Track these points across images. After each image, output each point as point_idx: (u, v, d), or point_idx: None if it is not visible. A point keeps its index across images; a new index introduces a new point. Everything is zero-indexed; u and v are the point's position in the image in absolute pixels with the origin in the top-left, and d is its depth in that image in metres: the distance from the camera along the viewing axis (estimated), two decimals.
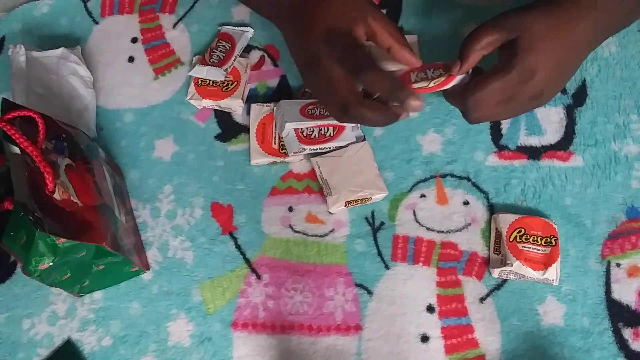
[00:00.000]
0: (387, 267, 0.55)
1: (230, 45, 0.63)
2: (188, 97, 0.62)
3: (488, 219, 0.56)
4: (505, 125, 0.59)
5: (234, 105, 0.62)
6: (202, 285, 0.56)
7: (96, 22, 0.70)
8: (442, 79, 0.50)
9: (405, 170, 0.58)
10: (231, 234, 0.57)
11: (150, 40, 0.68)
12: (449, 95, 0.52)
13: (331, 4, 0.49)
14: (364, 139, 0.59)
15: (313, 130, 0.57)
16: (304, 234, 0.57)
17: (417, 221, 0.56)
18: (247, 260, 0.56)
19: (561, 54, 0.47)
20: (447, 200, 0.57)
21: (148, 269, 0.57)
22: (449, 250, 0.55)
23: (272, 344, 0.53)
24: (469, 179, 0.57)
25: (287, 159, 0.59)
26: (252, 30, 0.65)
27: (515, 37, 0.47)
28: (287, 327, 0.53)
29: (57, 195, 0.47)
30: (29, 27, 0.70)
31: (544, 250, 0.52)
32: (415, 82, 0.51)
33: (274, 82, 0.64)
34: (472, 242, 0.55)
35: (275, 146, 0.59)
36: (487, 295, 0.53)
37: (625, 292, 0.52)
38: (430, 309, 0.53)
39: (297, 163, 0.59)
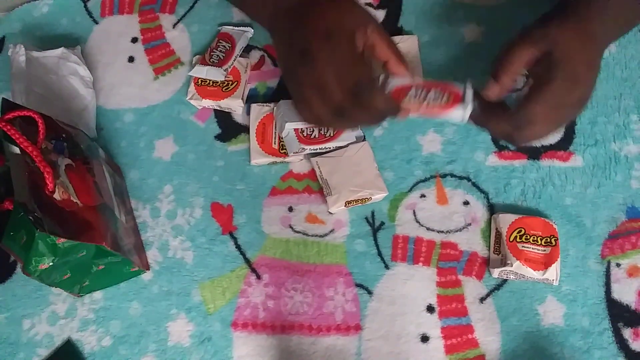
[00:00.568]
0: (387, 267, 0.55)
1: (230, 45, 0.63)
2: (188, 97, 0.62)
3: (488, 219, 0.56)
4: None
5: (234, 105, 0.62)
6: (202, 285, 0.56)
7: (96, 22, 0.70)
8: (439, 103, 0.47)
9: (405, 170, 0.58)
10: (231, 234, 0.57)
11: (150, 40, 0.68)
12: (489, 121, 0.49)
13: (336, 6, 0.48)
14: (364, 139, 0.59)
15: (313, 130, 0.57)
16: (304, 234, 0.57)
17: (417, 221, 0.56)
18: (247, 260, 0.56)
19: (590, 55, 0.47)
20: (447, 200, 0.57)
21: (148, 269, 0.57)
22: (449, 250, 0.55)
23: (272, 344, 0.53)
24: (469, 179, 0.57)
25: (287, 159, 0.59)
26: (252, 30, 0.65)
27: (548, 49, 0.46)
28: (287, 327, 0.53)
29: (57, 195, 0.47)
30: (29, 27, 0.70)
31: (544, 250, 0.52)
32: (409, 99, 0.48)
33: (274, 82, 0.64)
34: (472, 242, 0.55)
35: (275, 146, 0.59)
36: (487, 295, 0.53)
37: (625, 292, 0.52)
38: (430, 309, 0.53)
39: (297, 163, 0.59)
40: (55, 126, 0.52)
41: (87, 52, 0.68)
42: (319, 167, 0.57)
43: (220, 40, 0.64)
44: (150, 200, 0.60)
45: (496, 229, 0.54)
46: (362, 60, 0.47)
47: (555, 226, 0.53)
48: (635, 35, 0.62)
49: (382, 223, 0.56)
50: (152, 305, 0.55)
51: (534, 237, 0.52)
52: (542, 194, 0.56)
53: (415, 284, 0.54)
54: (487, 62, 0.62)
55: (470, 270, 0.54)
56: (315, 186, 0.58)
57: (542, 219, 0.53)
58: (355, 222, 0.57)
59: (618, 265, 0.53)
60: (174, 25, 0.68)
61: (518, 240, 0.52)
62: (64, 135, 0.52)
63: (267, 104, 0.61)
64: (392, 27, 0.65)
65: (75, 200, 0.48)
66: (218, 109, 0.63)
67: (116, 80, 0.66)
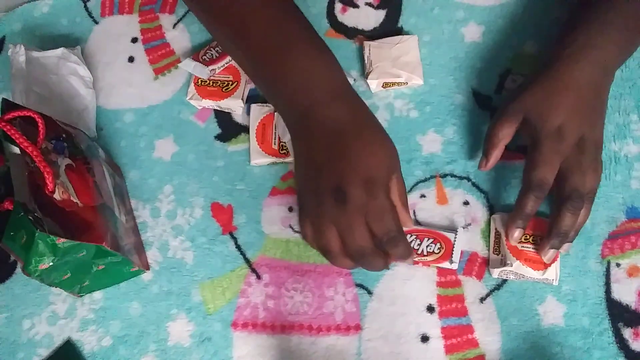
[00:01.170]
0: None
1: None
2: (188, 97, 0.62)
3: (488, 219, 0.56)
4: None
5: (234, 105, 0.62)
6: (202, 285, 0.56)
7: (96, 22, 0.70)
8: (432, 259, 0.53)
9: (405, 170, 0.58)
10: (231, 234, 0.57)
11: (150, 40, 0.68)
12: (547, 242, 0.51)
13: (378, 148, 0.47)
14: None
15: None
16: None
17: (417, 221, 0.56)
18: (247, 260, 0.56)
19: (574, 101, 0.49)
20: (447, 200, 0.57)
21: (148, 269, 0.57)
22: None
23: (272, 344, 0.53)
24: (469, 179, 0.57)
25: (287, 159, 0.59)
26: None
27: (524, 118, 0.51)
28: (287, 327, 0.53)
29: (57, 195, 0.47)
30: (29, 27, 0.70)
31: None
32: None
33: None
34: (472, 242, 0.55)
35: (275, 146, 0.59)
36: (487, 295, 0.53)
37: (625, 292, 0.52)
38: (430, 309, 0.53)
39: None
40: (55, 126, 0.52)
41: (87, 52, 0.68)
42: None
43: None
44: (150, 200, 0.60)
45: (495, 229, 0.54)
46: (395, 210, 0.47)
47: None
48: None
49: None
50: (152, 305, 0.55)
51: (533, 237, 0.52)
52: None
53: (415, 284, 0.54)
54: (487, 62, 0.62)
55: (470, 270, 0.54)
56: None
57: (542, 218, 0.53)
58: None
59: (618, 265, 0.53)
60: (174, 25, 0.68)
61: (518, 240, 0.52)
62: (64, 135, 0.52)
63: (267, 104, 0.61)
64: (392, 27, 0.65)
65: (75, 200, 0.48)
66: (218, 109, 0.63)
67: (116, 80, 0.66)
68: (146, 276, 0.57)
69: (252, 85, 0.64)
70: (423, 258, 0.53)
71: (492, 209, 0.56)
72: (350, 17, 0.66)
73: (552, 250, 0.50)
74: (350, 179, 0.45)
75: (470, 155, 0.58)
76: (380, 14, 0.66)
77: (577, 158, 0.49)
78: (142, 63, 0.66)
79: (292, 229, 0.57)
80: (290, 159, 0.59)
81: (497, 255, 0.53)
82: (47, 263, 0.45)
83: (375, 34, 0.65)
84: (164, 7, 0.69)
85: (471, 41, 0.63)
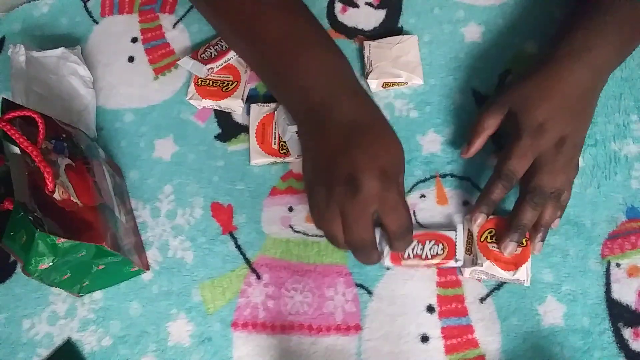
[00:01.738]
0: (387, 267, 0.55)
1: (227, 47, 0.63)
2: (188, 97, 0.62)
3: None
4: None
5: (234, 105, 0.62)
6: (202, 285, 0.56)
7: (96, 22, 0.70)
8: (438, 261, 0.52)
9: (406, 170, 0.58)
10: (231, 234, 0.57)
11: (150, 40, 0.68)
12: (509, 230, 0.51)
13: (391, 143, 0.48)
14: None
15: None
16: (304, 234, 0.57)
17: (417, 221, 0.56)
18: (247, 260, 0.56)
19: (560, 101, 0.50)
20: (447, 201, 0.57)
21: (148, 269, 0.57)
22: None
23: (272, 344, 0.53)
24: (469, 179, 0.57)
25: (287, 159, 0.59)
26: None
27: (509, 110, 0.52)
28: (287, 327, 0.53)
29: (57, 195, 0.47)
30: (29, 27, 0.70)
31: (515, 251, 0.51)
32: (408, 255, 0.52)
33: None
34: None
35: (275, 146, 0.59)
36: (487, 295, 0.53)
37: (625, 292, 0.52)
38: (430, 309, 0.53)
39: (297, 163, 0.59)
40: (55, 126, 0.52)
41: (87, 52, 0.68)
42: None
43: (221, 40, 0.63)
44: (150, 200, 0.60)
45: (468, 229, 0.54)
46: (406, 203, 0.47)
47: None
48: None
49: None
50: (152, 305, 0.55)
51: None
52: None
53: (415, 284, 0.54)
54: (487, 62, 0.62)
55: None
56: None
57: None
58: None
59: (618, 265, 0.53)
60: (174, 25, 0.68)
61: (489, 240, 0.52)
62: (64, 135, 0.52)
63: (267, 104, 0.61)
64: (392, 27, 0.65)
65: (75, 200, 0.48)
66: (218, 109, 0.63)
67: (116, 80, 0.66)
68: (146, 276, 0.57)
69: (252, 85, 0.64)
70: (428, 261, 0.52)
71: None
72: (350, 17, 0.66)
73: (511, 244, 0.51)
74: (365, 169, 0.45)
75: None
76: (380, 14, 0.66)
77: (552, 157, 0.49)
78: (142, 63, 0.66)
79: (292, 229, 0.57)
80: (290, 158, 0.59)
81: (469, 255, 0.53)
82: (47, 263, 0.45)
83: (375, 34, 0.65)
84: (164, 7, 0.69)
85: (471, 41, 0.63)
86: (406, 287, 0.54)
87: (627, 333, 0.51)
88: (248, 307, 0.54)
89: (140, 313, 0.55)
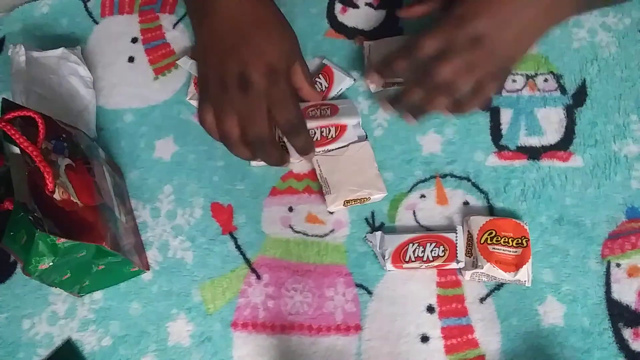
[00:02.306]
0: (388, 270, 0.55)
1: None
2: (188, 97, 0.62)
3: None
4: (505, 125, 0.59)
5: None
6: (202, 285, 0.56)
7: (96, 22, 0.70)
8: (439, 263, 0.52)
9: (405, 170, 0.58)
10: (231, 234, 0.57)
11: (150, 40, 0.68)
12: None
13: (276, 40, 0.49)
14: (366, 138, 0.59)
15: (315, 132, 0.57)
16: (304, 234, 0.57)
17: (417, 221, 0.56)
18: (247, 260, 0.56)
19: (504, 11, 0.47)
20: (447, 201, 0.57)
21: (148, 269, 0.57)
22: None
23: (272, 344, 0.53)
24: (468, 179, 0.57)
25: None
26: None
27: None
28: (287, 327, 0.53)
29: (57, 195, 0.47)
30: (29, 27, 0.70)
31: (515, 252, 0.51)
32: (410, 260, 0.53)
33: None
34: None
35: None
36: (487, 295, 0.53)
37: (625, 292, 0.52)
38: (430, 309, 0.53)
39: (297, 163, 0.59)
40: (55, 126, 0.52)
41: (87, 52, 0.68)
42: (319, 166, 0.57)
43: None
44: (150, 200, 0.60)
45: (468, 231, 0.54)
46: (295, 98, 0.49)
47: (526, 227, 0.53)
48: (635, 35, 0.62)
49: (382, 224, 0.56)
50: (152, 305, 0.55)
51: (505, 239, 0.52)
52: (542, 194, 0.56)
53: (415, 284, 0.54)
54: None
55: None
56: (315, 186, 0.58)
57: (514, 220, 0.53)
58: (356, 222, 0.57)
59: (618, 265, 0.53)
60: (174, 25, 0.68)
61: (489, 242, 0.52)
62: (64, 135, 0.52)
63: None
64: (392, 27, 0.65)
65: (75, 200, 0.48)
66: None
67: (116, 80, 0.66)
68: (146, 276, 0.57)
69: None
70: (430, 264, 0.52)
71: (492, 209, 0.56)
72: (350, 17, 0.66)
73: (379, 90, 0.54)
74: (253, 66, 0.46)
75: (470, 155, 0.58)
76: (380, 14, 0.66)
77: (461, 51, 0.47)
78: (142, 63, 0.66)
79: (292, 229, 0.57)
80: (290, 159, 0.59)
81: (470, 257, 0.53)
82: (47, 263, 0.45)
83: (375, 34, 0.65)
84: (164, 7, 0.69)
85: None
86: (406, 287, 0.54)
87: (627, 333, 0.51)
88: (248, 307, 0.54)
89: (140, 313, 0.55)
